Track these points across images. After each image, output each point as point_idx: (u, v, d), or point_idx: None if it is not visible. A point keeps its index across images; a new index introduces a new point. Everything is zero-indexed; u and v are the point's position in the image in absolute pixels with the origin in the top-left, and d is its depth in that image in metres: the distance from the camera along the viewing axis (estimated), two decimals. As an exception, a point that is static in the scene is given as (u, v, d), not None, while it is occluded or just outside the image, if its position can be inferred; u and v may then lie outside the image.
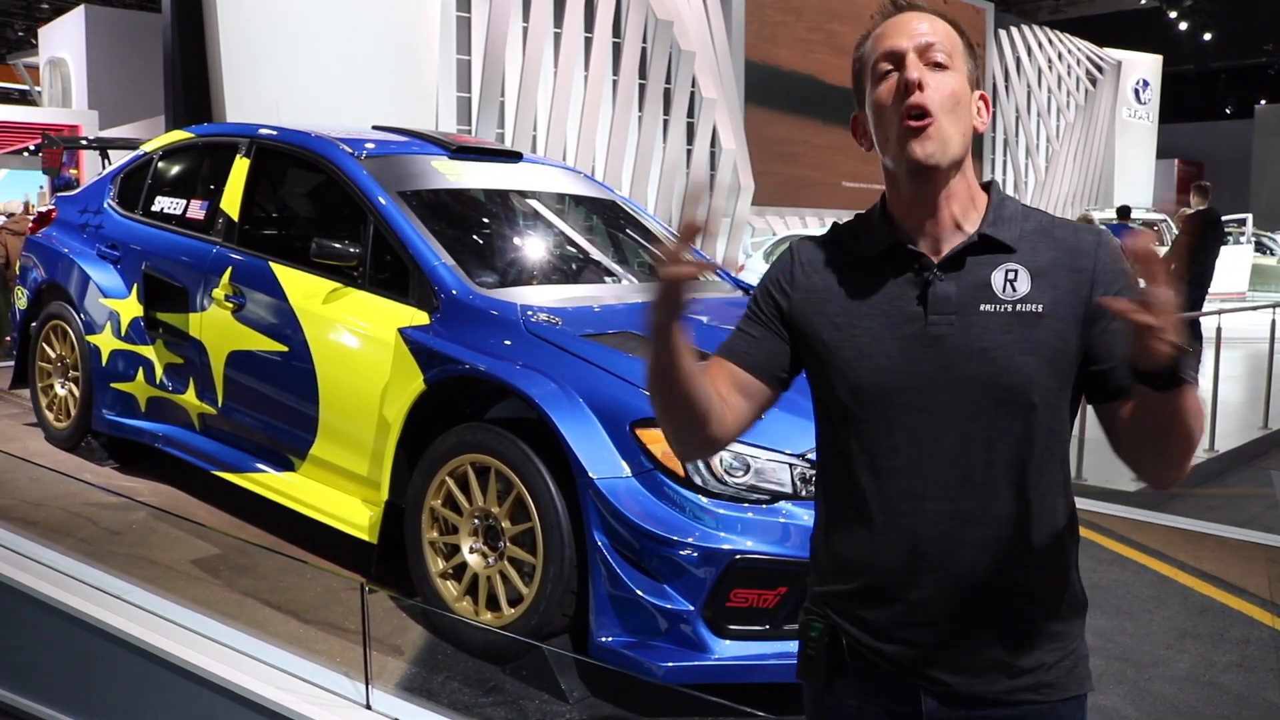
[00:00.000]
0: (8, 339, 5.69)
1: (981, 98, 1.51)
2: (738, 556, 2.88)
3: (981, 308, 1.44)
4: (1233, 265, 13.46)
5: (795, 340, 1.55)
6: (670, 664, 2.88)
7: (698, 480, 2.95)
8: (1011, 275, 1.45)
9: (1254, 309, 10.88)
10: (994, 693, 1.46)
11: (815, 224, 19.78)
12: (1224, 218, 11.88)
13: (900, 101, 1.44)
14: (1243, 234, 20.09)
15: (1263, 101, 36.42)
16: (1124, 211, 13.76)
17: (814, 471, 2.96)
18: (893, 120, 1.45)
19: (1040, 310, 1.43)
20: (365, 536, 3.66)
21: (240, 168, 4.63)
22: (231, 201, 4.58)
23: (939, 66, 1.45)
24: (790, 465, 2.99)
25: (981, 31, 25.10)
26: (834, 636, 1.54)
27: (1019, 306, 1.43)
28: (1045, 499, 1.47)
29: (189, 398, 4.55)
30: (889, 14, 1.50)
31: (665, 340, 1.43)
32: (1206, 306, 10.91)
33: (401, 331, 3.60)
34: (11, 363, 5.72)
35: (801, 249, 1.60)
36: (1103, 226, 12.13)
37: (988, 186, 1.54)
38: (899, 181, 1.49)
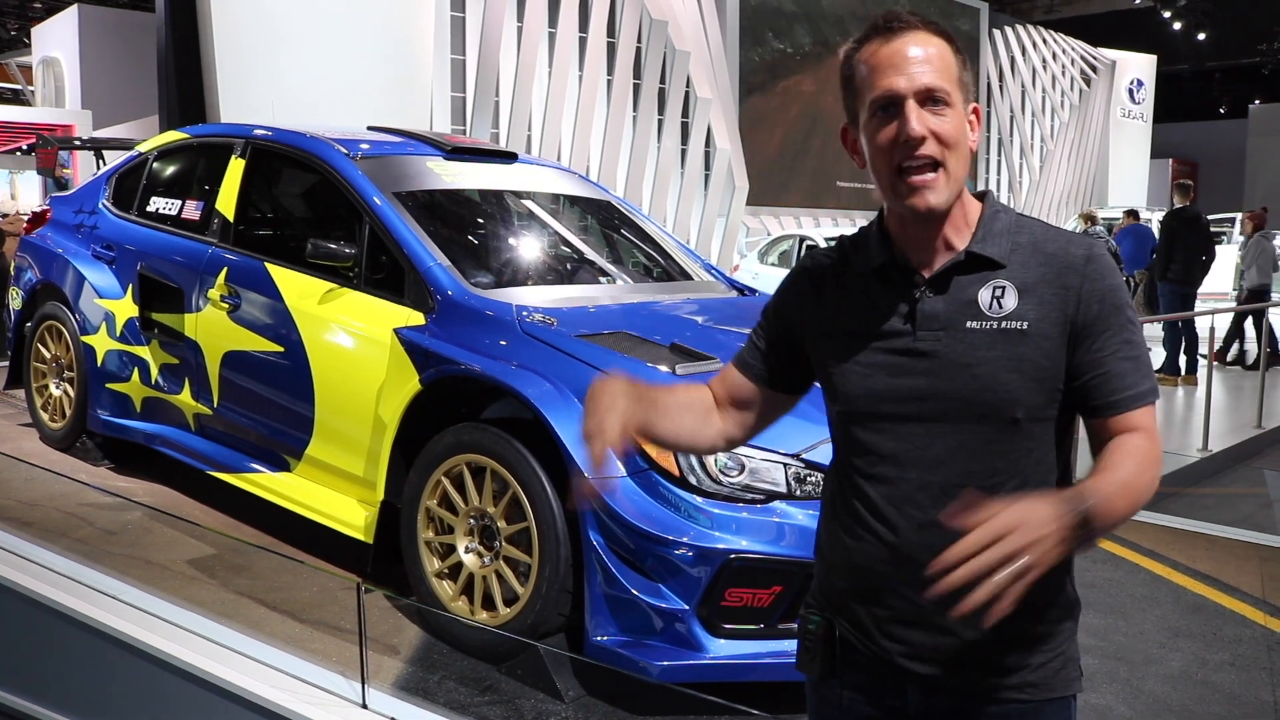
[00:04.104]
0: None
1: (974, 111, 1.49)
2: (732, 556, 2.89)
3: (968, 324, 1.46)
4: (1219, 265, 13.44)
5: (806, 352, 1.62)
6: (665, 663, 2.89)
7: (693, 480, 2.96)
8: (998, 292, 1.46)
9: (1249, 309, 10.91)
10: (979, 689, 1.48)
11: (810, 224, 19.78)
12: (1215, 216, 11.87)
13: (900, 151, 1.43)
14: (1231, 233, 20.05)
15: (1257, 101, 36.44)
16: (1132, 213, 13.82)
17: (808, 471, 2.99)
18: (893, 167, 1.44)
19: (1025, 327, 1.44)
20: (361, 536, 3.67)
21: (235, 168, 4.64)
22: (227, 202, 4.58)
23: (938, 107, 1.43)
24: (785, 465, 3.00)
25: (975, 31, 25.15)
26: (830, 630, 1.57)
27: (1004, 323, 1.45)
28: None
29: (184, 398, 4.55)
30: (881, 33, 1.47)
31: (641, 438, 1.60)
32: (1201, 306, 10.95)
33: (397, 332, 3.61)
34: (6, 363, 5.72)
35: (809, 262, 1.65)
36: (1101, 229, 12.10)
37: (983, 195, 1.55)
38: (896, 211, 1.51)
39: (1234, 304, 11.25)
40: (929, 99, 1.43)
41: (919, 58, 1.43)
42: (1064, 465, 1.53)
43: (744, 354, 1.70)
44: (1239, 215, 12.49)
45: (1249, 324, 11.09)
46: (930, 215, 1.46)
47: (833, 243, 1.64)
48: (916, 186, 1.43)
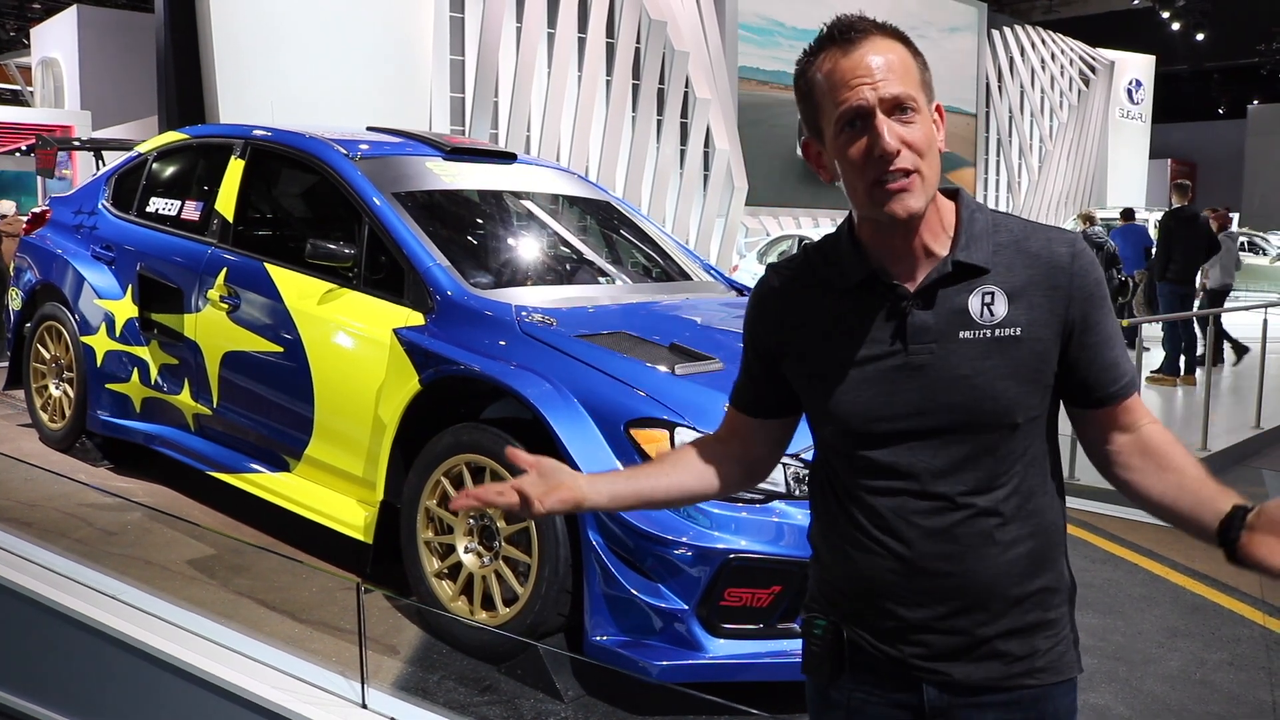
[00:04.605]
0: None
1: (938, 109, 1.47)
2: (731, 555, 2.90)
3: (960, 335, 1.44)
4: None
5: (786, 374, 1.59)
6: (665, 663, 2.89)
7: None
8: (988, 299, 1.45)
9: (1246, 309, 10.91)
10: (991, 680, 1.50)
11: (809, 224, 19.80)
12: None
13: (875, 165, 1.40)
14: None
15: (1255, 101, 36.51)
16: (1127, 213, 13.82)
17: (808, 471, 2.98)
18: (867, 179, 1.41)
19: (1018, 334, 1.44)
20: (361, 536, 3.67)
21: (235, 169, 4.64)
22: (226, 202, 4.58)
23: (906, 115, 1.40)
24: (784, 464, 3.01)
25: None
26: (837, 633, 1.57)
27: (997, 331, 1.44)
28: (1032, 502, 1.50)
29: (184, 398, 4.56)
30: (837, 43, 1.42)
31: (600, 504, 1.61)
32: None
33: (397, 332, 3.61)
34: (6, 363, 5.72)
35: (775, 280, 1.60)
36: (1100, 229, 12.09)
37: (955, 194, 1.53)
38: (870, 221, 1.48)
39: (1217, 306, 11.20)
40: (896, 108, 1.40)
41: (880, 66, 1.39)
42: (1054, 454, 1.55)
43: (737, 392, 1.67)
44: (1234, 215, 12.46)
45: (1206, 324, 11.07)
46: (909, 221, 1.43)
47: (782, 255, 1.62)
48: (894, 192, 1.40)
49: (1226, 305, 11.26)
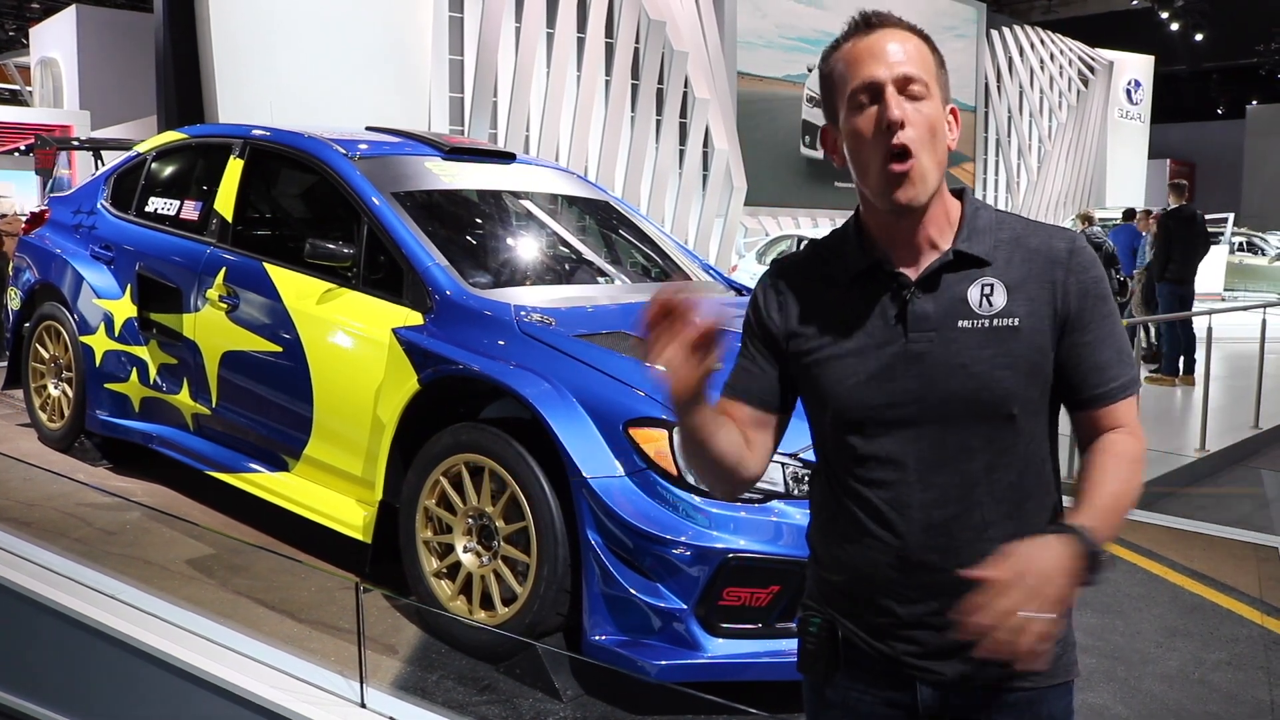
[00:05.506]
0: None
1: (952, 111, 1.50)
2: (730, 555, 2.90)
3: (959, 324, 1.46)
4: (1208, 265, 13.34)
5: (788, 364, 1.59)
6: (663, 662, 2.89)
7: (690, 479, 2.97)
8: (987, 290, 1.47)
9: (1244, 309, 10.93)
10: (986, 681, 1.50)
11: (808, 224, 19.80)
12: (1212, 216, 11.85)
13: (881, 138, 1.43)
14: (1221, 233, 20.04)
15: (1254, 102, 36.53)
16: (1129, 213, 13.82)
17: (806, 471, 2.99)
18: (873, 157, 1.45)
19: (1016, 324, 1.46)
20: (360, 536, 3.67)
21: (234, 168, 4.64)
22: (225, 202, 4.58)
23: (917, 97, 1.44)
24: (782, 464, 3.01)
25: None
26: (832, 631, 1.58)
27: (995, 321, 1.46)
28: (1031, 499, 1.50)
29: (183, 398, 4.56)
30: (859, 31, 1.48)
31: (690, 409, 1.46)
32: (1196, 306, 10.94)
33: (395, 332, 3.61)
34: (5, 363, 5.72)
35: (781, 272, 1.62)
36: (1099, 229, 12.06)
37: (960, 193, 1.56)
38: (876, 210, 1.51)
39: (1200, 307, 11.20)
40: (907, 88, 1.44)
41: (896, 50, 1.45)
42: (1053, 456, 1.56)
43: (736, 381, 1.62)
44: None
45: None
46: (912, 207, 1.46)
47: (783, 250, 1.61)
48: (898, 174, 1.43)
49: (1227, 306, 11.22)
